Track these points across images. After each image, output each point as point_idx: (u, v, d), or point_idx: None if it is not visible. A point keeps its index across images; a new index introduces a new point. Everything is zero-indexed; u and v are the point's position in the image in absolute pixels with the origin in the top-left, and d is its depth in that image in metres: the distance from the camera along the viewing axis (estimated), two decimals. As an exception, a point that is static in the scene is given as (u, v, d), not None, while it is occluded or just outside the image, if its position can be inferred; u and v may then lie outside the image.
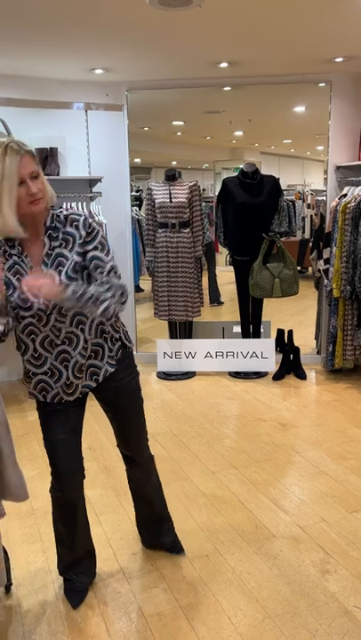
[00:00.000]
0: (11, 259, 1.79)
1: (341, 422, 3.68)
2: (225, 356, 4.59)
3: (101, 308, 1.71)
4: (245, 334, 4.70)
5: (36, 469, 3.14)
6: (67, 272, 1.76)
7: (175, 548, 2.36)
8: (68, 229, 1.78)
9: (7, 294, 1.75)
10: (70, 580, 2.16)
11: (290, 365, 4.63)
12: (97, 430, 3.64)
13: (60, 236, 1.79)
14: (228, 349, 4.59)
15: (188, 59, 3.91)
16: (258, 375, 4.60)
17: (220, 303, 6.16)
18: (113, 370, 1.96)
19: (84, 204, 4.34)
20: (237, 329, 4.78)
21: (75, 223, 1.78)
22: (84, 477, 2.09)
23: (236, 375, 4.63)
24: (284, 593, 2.12)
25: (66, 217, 1.79)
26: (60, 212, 1.80)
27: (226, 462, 3.17)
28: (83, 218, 1.80)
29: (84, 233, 1.78)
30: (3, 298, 1.73)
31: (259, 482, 2.95)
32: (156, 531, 2.36)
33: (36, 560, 2.36)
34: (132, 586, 2.18)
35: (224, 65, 4.07)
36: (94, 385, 1.97)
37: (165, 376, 4.64)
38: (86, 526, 2.16)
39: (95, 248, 1.79)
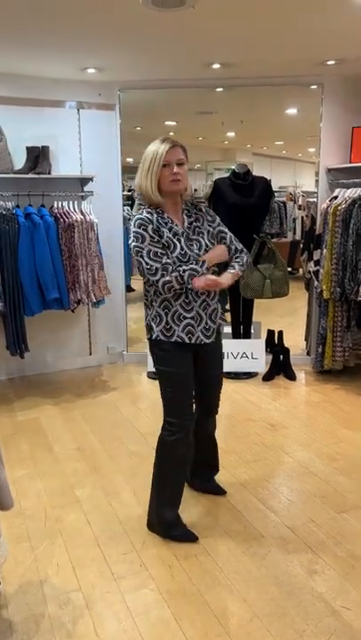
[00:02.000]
0: (167, 226, 2.28)
1: (330, 423, 3.70)
2: (215, 356, 4.59)
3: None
4: (236, 335, 4.71)
5: (24, 469, 3.13)
6: (207, 238, 2.36)
7: (220, 490, 2.81)
8: (196, 211, 2.39)
9: (170, 251, 2.25)
10: (177, 525, 2.47)
11: (280, 366, 4.64)
12: (87, 431, 3.63)
13: (193, 215, 2.37)
14: (218, 350, 4.58)
15: (181, 59, 3.92)
16: (248, 376, 4.61)
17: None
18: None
19: (76, 202, 4.33)
20: (228, 329, 4.79)
21: (197, 207, 2.41)
22: None
23: (227, 375, 4.61)
24: (272, 593, 2.13)
25: (191, 203, 2.41)
26: (186, 201, 2.39)
27: (215, 462, 3.18)
28: (202, 205, 2.45)
29: (209, 216, 2.42)
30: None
31: (248, 482, 2.96)
32: (209, 475, 2.81)
33: (25, 560, 2.35)
34: (121, 586, 2.19)
35: (217, 66, 4.08)
36: (216, 328, 2.44)
37: (155, 376, 4.63)
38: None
39: (219, 224, 2.44)
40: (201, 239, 2.34)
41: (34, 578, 2.24)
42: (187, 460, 2.54)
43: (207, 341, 2.38)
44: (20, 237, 3.97)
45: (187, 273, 2.22)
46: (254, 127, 6.03)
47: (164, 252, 2.25)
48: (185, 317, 2.31)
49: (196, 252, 2.30)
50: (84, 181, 4.52)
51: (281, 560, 2.32)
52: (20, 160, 4.25)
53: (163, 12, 2.91)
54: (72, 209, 4.26)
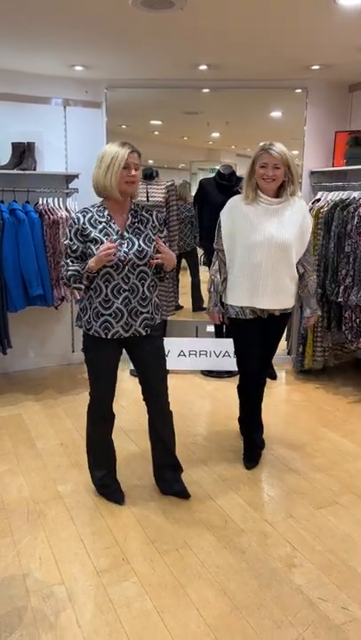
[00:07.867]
0: (100, 224, 2.44)
1: (310, 422, 3.77)
2: (198, 354, 4.64)
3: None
4: (218, 334, 4.76)
5: (7, 464, 3.13)
6: (143, 240, 2.47)
7: (185, 493, 2.79)
8: (144, 214, 2.53)
9: (95, 248, 2.39)
10: (105, 485, 2.77)
11: (261, 365, 4.70)
12: (69, 428, 3.64)
13: (138, 217, 2.51)
14: (201, 348, 4.64)
15: (169, 59, 3.95)
16: (230, 374, 4.66)
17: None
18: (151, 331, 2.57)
19: (61, 199, 4.33)
20: (210, 328, 4.84)
21: (149, 212, 2.56)
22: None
23: (209, 374, 4.69)
24: (252, 586, 2.18)
25: (142, 207, 2.58)
26: (137, 203, 2.56)
27: (197, 459, 3.22)
28: (155, 212, 2.59)
29: (157, 223, 2.55)
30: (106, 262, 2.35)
31: (229, 478, 3.00)
32: (171, 477, 2.81)
33: (7, 554, 2.36)
34: (103, 579, 2.21)
35: (203, 67, 4.12)
36: (145, 334, 2.53)
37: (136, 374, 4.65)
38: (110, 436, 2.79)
39: (164, 237, 2.59)
40: (135, 240, 2.46)
41: (16, 572, 2.26)
42: (102, 431, 2.73)
43: (125, 335, 2.50)
44: (4, 233, 3.96)
45: (69, 273, 2.45)
46: (239, 128, 6.08)
47: (75, 252, 2.46)
48: (103, 314, 2.46)
49: (125, 250, 2.41)
50: (69, 178, 4.52)
51: (261, 554, 2.37)
52: (5, 156, 4.24)
53: (152, 13, 2.94)
54: (57, 206, 4.26)
